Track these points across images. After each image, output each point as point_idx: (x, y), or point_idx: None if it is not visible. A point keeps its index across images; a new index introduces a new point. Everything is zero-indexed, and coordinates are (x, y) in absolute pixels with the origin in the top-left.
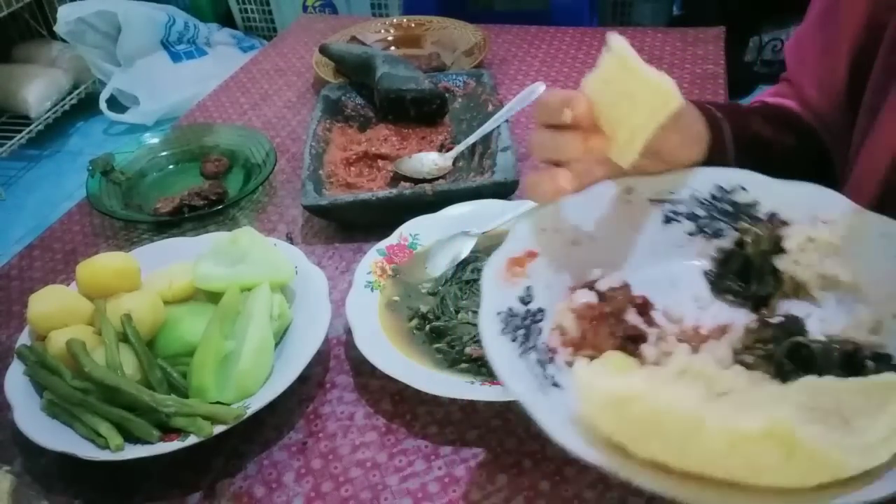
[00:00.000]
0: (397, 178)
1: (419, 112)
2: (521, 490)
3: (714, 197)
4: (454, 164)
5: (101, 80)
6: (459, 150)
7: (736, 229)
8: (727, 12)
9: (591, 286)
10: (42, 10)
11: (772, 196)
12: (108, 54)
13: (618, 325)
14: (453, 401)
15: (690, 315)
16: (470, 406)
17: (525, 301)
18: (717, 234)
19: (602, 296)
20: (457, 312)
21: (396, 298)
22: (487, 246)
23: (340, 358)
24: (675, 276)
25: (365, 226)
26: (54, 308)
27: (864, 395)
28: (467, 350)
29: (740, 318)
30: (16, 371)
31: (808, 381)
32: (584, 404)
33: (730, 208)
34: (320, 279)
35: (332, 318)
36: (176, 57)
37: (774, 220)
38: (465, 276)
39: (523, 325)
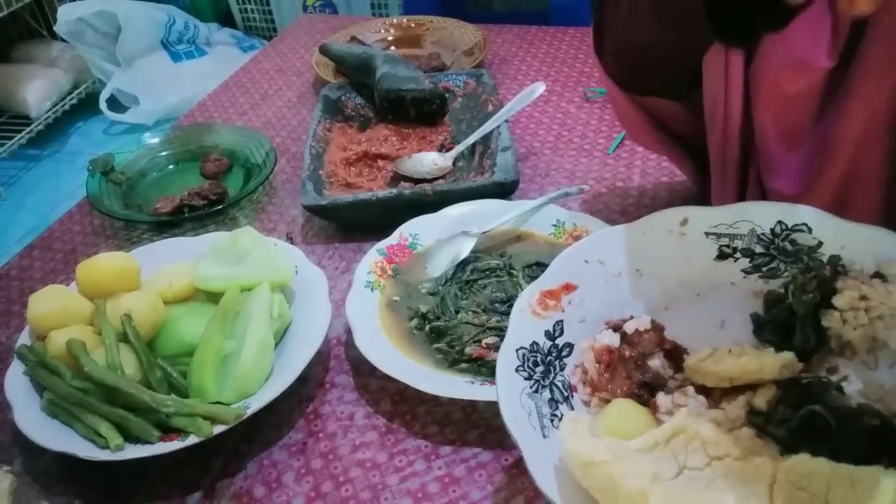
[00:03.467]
0: (397, 178)
1: (419, 112)
2: (521, 490)
3: (774, 233)
4: (454, 164)
5: (101, 80)
6: (459, 150)
7: (788, 274)
8: None
9: (617, 327)
10: (42, 10)
11: (836, 238)
12: (108, 54)
13: (637, 370)
14: (453, 401)
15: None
16: (470, 406)
17: (552, 336)
18: (772, 275)
19: (626, 338)
20: (457, 312)
21: (396, 298)
22: (487, 246)
23: (340, 358)
24: (723, 317)
25: (365, 226)
26: (54, 308)
27: (851, 483)
28: (467, 350)
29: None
30: (16, 371)
31: (802, 460)
32: (566, 457)
33: (790, 247)
34: (320, 279)
35: (332, 318)
36: (176, 57)
37: (834, 266)
38: (465, 276)
39: (545, 360)
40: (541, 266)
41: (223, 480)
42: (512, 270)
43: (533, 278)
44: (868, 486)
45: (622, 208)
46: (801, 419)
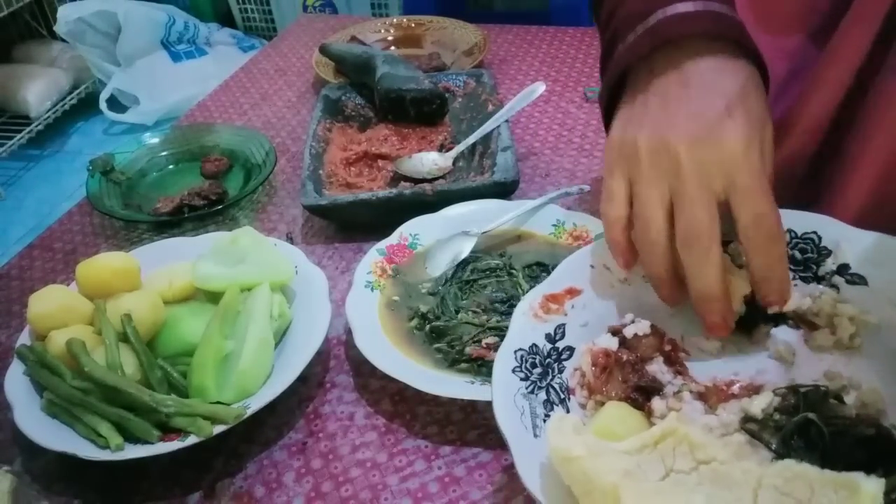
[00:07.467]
0: (397, 178)
1: (419, 112)
2: (522, 490)
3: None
4: (454, 164)
5: (101, 80)
6: (459, 150)
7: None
8: None
9: (617, 331)
10: (42, 10)
11: (847, 246)
12: (108, 54)
13: (633, 374)
14: (453, 401)
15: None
16: (470, 406)
17: (553, 339)
18: None
19: (625, 342)
20: (457, 312)
21: (396, 298)
22: (487, 246)
23: (340, 358)
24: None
25: (365, 226)
26: (54, 308)
27: (834, 489)
28: (467, 350)
29: (778, 379)
30: (16, 371)
31: (788, 465)
32: (549, 454)
33: (798, 256)
34: (320, 279)
35: (332, 318)
36: (176, 57)
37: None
38: (465, 276)
39: (544, 363)
40: (541, 266)
41: (223, 480)
42: (512, 270)
43: (533, 278)
44: (849, 491)
45: None
46: (795, 426)
